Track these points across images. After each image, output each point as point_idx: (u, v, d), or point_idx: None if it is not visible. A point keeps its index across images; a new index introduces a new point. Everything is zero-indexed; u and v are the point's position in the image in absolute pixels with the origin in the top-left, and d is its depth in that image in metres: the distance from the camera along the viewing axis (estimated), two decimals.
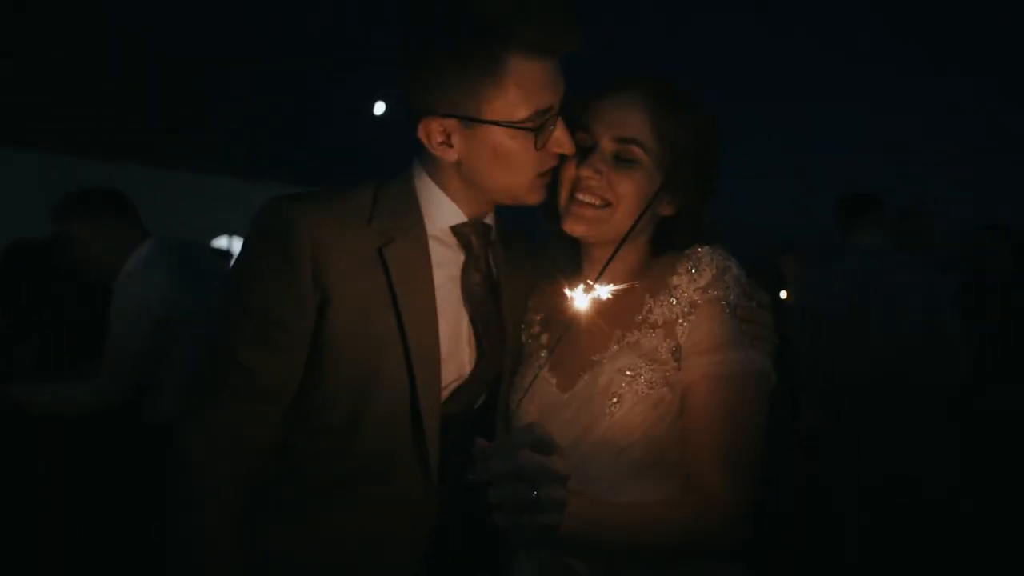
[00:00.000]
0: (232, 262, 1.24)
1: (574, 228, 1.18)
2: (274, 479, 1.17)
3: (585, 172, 1.16)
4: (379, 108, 7.86)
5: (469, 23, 1.02)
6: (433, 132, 1.11)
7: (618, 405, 1.12)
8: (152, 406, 2.47)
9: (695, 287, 1.13)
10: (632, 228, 1.13)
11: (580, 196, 1.17)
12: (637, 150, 1.15)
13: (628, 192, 1.15)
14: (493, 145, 1.10)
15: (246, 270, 1.14)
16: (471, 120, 1.08)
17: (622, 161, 1.16)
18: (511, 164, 1.12)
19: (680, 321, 1.13)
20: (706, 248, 1.17)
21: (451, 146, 1.11)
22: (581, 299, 0.99)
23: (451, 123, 1.09)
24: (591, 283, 1.00)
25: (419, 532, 1.17)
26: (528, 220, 1.33)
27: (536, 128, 1.09)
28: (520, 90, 1.06)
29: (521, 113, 1.08)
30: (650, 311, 1.16)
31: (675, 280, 1.15)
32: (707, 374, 1.09)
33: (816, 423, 3.17)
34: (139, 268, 2.50)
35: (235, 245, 9.73)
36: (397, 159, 1.28)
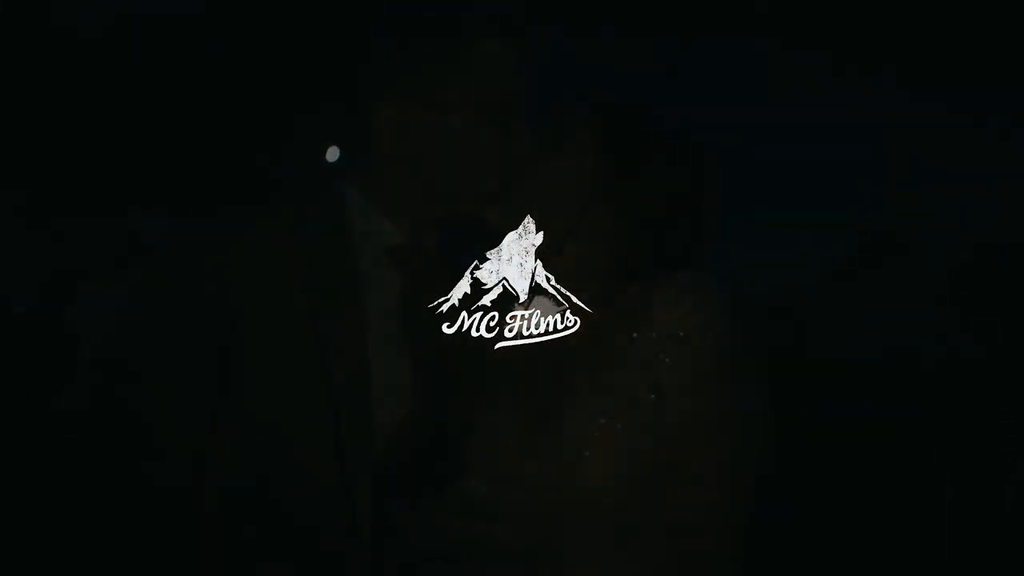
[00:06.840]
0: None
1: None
2: None
3: None
4: (332, 154, 7.81)
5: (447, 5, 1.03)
6: (390, 121, 1.06)
7: (589, 457, 0.98)
8: None
9: (675, 316, 1.01)
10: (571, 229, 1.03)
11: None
12: None
13: None
14: (455, 137, 1.06)
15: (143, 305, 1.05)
16: (438, 107, 1.04)
17: None
18: (470, 159, 1.09)
19: (661, 357, 1.00)
20: (687, 273, 1.06)
21: (408, 139, 1.06)
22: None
23: (413, 110, 1.05)
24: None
25: None
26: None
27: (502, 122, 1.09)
28: (488, 80, 1.05)
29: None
30: (624, 349, 1.03)
31: (652, 312, 1.03)
32: (695, 415, 0.96)
33: None
34: None
35: None
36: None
